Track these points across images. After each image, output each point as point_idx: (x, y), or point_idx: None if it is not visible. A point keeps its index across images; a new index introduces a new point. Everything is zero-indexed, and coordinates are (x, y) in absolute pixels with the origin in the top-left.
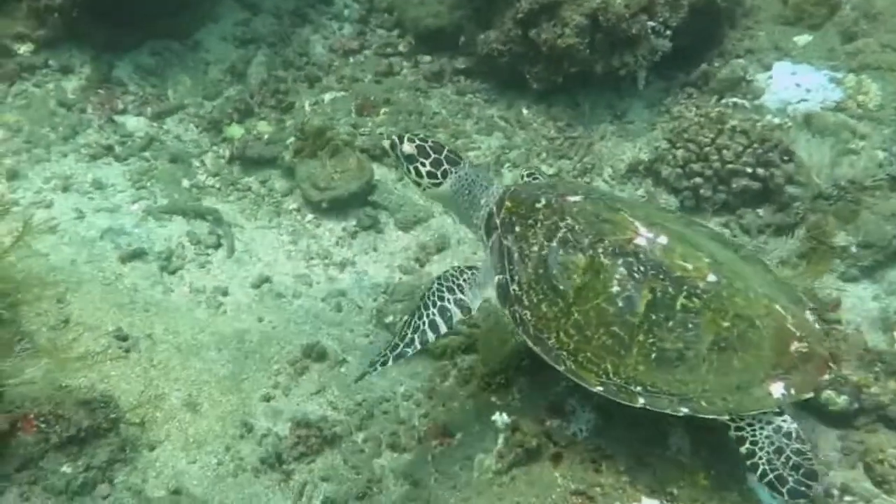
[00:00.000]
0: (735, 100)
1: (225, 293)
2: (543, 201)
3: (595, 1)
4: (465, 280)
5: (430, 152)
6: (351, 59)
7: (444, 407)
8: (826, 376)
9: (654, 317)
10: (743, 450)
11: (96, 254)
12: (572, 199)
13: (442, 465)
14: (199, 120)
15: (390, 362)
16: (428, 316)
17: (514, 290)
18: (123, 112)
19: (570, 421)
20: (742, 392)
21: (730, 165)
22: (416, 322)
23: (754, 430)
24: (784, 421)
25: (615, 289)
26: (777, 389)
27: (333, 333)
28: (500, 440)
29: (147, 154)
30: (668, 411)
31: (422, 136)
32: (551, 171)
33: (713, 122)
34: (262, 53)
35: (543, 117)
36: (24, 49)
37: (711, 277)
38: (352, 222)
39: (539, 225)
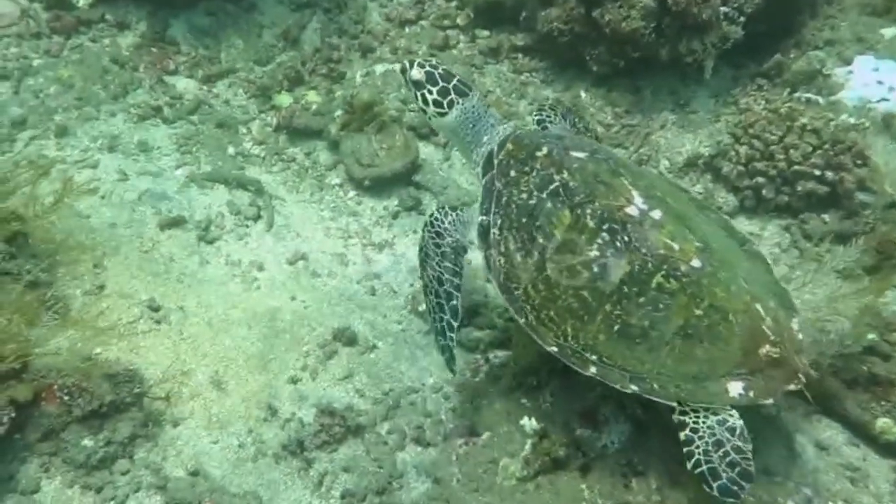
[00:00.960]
0: (809, 95)
1: (260, 268)
2: (545, 150)
3: None
4: (450, 223)
5: (439, 80)
6: (407, 30)
7: (473, 404)
8: (793, 387)
9: (626, 289)
10: (682, 435)
11: (136, 219)
12: (576, 154)
13: (466, 465)
14: (249, 85)
15: (455, 321)
16: (439, 265)
17: (494, 233)
18: (175, 73)
19: (602, 431)
20: (697, 383)
21: (797, 166)
22: (435, 275)
23: (698, 417)
24: (731, 415)
25: (594, 253)
26: (735, 388)
27: (366, 317)
28: (528, 446)
29: (195, 118)
30: (616, 386)
31: (434, 62)
32: None
33: (782, 119)
34: (318, 19)
35: (601, 102)
36: (82, 2)
37: (696, 262)
38: (394, 202)
39: (534, 173)
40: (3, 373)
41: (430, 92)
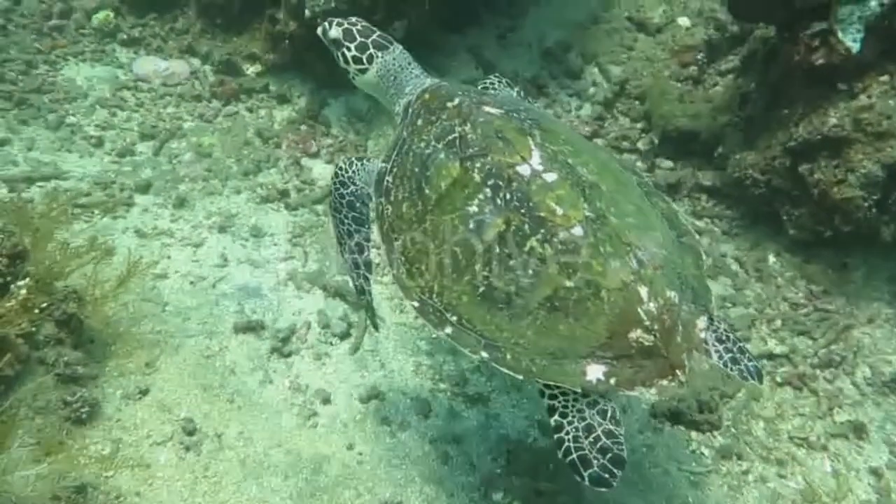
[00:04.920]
0: None
1: (326, 400)
2: (456, 101)
3: None
4: (354, 171)
5: (357, 36)
6: None
7: None
8: (667, 382)
9: (497, 250)
10: (552, 421)
11: (215, 314)
12: (489, 109)
13: None
14: None
15: (369, 274)
16: (346, 217)
17: (387, 181)
18: (315, 155)
19: None
20: (554, 360)
21: None
22: (345, 229)
23: (567, 400)
24: (601, 397)
25: (473, 209)
26: (594, 372)
27: (427, 492)
28: None
29: (319, 208)
30: (467, 351)
31: (353, 20)
32: (781, 347)
33: None
34: None
35: (793, 273)
36: (252, 70)
37: (577, 230)
38: None
39: (438, 123)
40: None
41: (349, 49)
